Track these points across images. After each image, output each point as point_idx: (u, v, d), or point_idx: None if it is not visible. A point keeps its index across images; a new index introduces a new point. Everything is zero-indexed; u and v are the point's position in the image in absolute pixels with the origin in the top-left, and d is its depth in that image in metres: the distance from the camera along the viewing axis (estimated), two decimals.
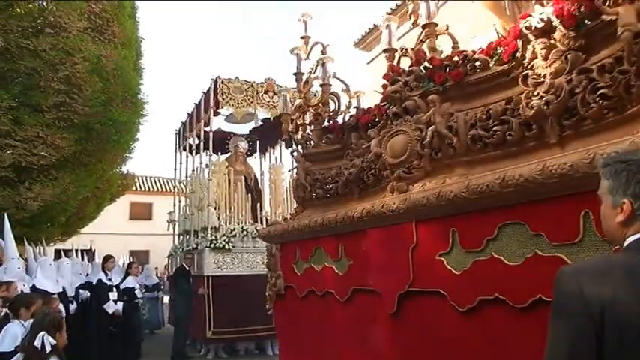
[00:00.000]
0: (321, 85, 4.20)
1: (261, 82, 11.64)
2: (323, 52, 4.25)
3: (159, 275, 17.03)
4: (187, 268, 10.44)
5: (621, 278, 1.31)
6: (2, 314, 5.55)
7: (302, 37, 4.47)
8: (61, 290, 8.56)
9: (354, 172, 3.69)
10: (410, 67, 3.27)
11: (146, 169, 37.54)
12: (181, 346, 10.13)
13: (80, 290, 9.91)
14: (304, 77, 4.38)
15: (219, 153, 13.50)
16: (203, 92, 11.93)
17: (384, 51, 3.55)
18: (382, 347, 3.23)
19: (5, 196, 10.87)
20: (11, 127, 10.58)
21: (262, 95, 11.62)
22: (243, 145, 13.41)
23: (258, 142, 14.18)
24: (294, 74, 4.41)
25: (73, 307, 9.04)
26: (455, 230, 2.71)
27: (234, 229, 10.89)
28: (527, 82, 2.69)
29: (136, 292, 10.74)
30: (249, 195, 12.19)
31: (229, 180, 12.25)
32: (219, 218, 11.68)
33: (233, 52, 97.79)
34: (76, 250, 11.66)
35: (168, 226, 15.05)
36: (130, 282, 10.79)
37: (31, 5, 11.39)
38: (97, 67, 11.60)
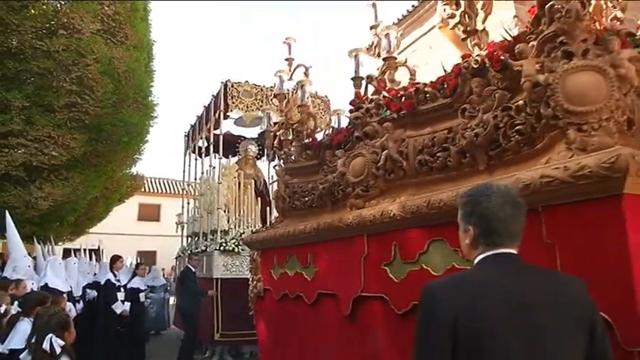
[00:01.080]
0: (299, 107, 4.77)
1: (271, 86, 12.14)
2: (306, 74, 4.82)
3: (165, 277, 17.63)
4: (193, 269, 10.71)
5: (470, 291, 1.78)
6: (14, 312, 5.64)
7: (286, 59, 5.04)
8: (69, 290, 9.02)
9: (326, 187, 4.25)
10: (371, 95, 3.83)
11: (155, 171, 38.50)
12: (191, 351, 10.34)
13: (87, 290, 10.45)
14: (286, 98, 4.96)
15: (229, 156, 14.04)
16: (213, 95, 12.49)
17: (352, 79, 4.12)
18: (340, 345, 3.80)
19: (16, 194, 11.52)
20: (23, 126, 11.22)
21: (271, 99, 12.14)
22: (253, 149, 13.92)
23: None
24: (276, 95, 4.99)
25: (79, 306, 9.54)
26: (396, 244, 3.26)
27: (243, 233, 11.20)
28: (465, 115, 3.22)
29: (141, 294, 11.25)
30: (259, 198, 12.64)
31: (239, 183, 12.77)
32: (228, 221, 12.21)
33: (235, 52, 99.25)
34: (84, 250, 12.23)
35: (177, 227, 15.67)
36: (136, 282, 11.35)
37: (45, 6, 11.98)
38: (109, 69, 12.22)
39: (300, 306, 4.33)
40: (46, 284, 8.31)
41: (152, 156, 36.14)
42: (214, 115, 12.39)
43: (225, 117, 12.39)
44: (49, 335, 4.01)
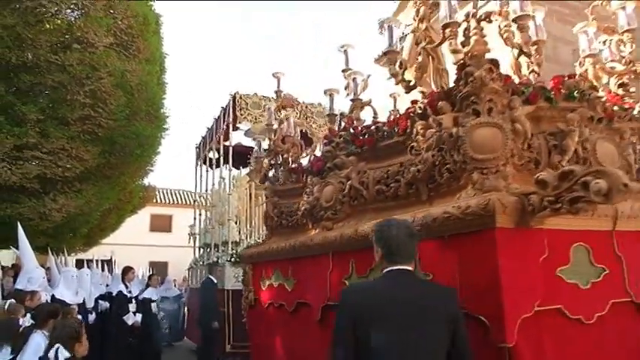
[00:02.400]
0: (284, 137, 5.72)
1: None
2: (292, 106, 5.76)
3: (178, 287, 18.54)
4: (215, 281, 11.45)
5: (372, 291, 2.84)
6: (28, 325, 5.93)
7: (275, 92, 6.01)
8: (81, 302, 9.76)
9: (307, 208, 5.16)
10: (340, 131, 4.76)
11: (166, 182, 39.85)
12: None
13: (100, 301, 11.27)
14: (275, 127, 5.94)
15: (240, 167, 14.97)
16: (222, 107, 13.47)
17: (327, 115, 5.05)
18: (314, 347, 4.71)
19: (30, 206, 12.44)
20: (38, 139, 12.11)
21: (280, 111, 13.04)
22: (265, 160, 14.76)
23: None
24: (266, 125, 5.96)
25: (91, 317, 10.29)
26: (353, 261, 4.17)
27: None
28: (412, 152, 4.11)
29: (152, 304, 12.16)
30: None
31: (250, 194, 13.70)
32: (239, 232, 13.12)
33: (236, 51, 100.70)
34: (96, 261, 13.18)
35: (189, 238, 16.67)
36: (148, 293, 12.30)
37: (59, 21, 12.86)
38: (122, 82, 13.11)
39: (283, 313, 5.26)
40: (53, 296, 9.05)
41: (163, 167, 37.25)
42: (224, 126, 13.33)
43: (235, 128, 13.29)
44: (56, 345, 4.45)
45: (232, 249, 12.05)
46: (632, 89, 4.58)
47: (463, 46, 3.70)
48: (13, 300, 7.28)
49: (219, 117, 13.74)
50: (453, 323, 2.71)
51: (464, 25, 3.72)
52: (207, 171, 15.59)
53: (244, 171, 14.92)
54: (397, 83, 4.37)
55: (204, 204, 15.99)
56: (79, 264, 13.61)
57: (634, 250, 3.43)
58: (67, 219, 13.44)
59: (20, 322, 6.13)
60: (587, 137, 3.67)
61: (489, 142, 3.34)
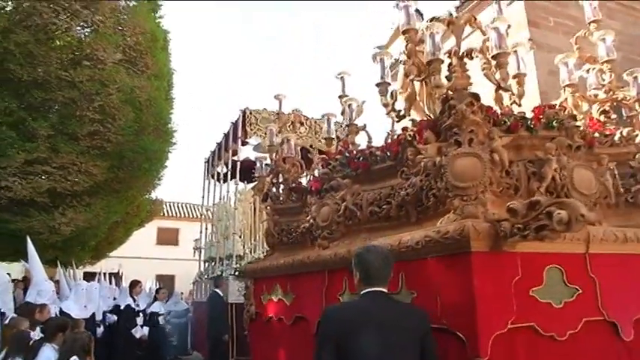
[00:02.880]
0: (285, 158, 6.07)
1: (289, 114, 13.45)
2: (293, 125, 6.11)
3: (185, 300, 18.86)
4: (221, 294, 11.66)
5: (351, 309, 3.24)
6: (37, 338, 6.04)
7: (277, 113, 6.37)
8: (89, 316, 9.87)
9: (307, 227, 5.49)
10: (336, 154, 5.10)
11: (173, 194, 40.36)
12: None
13: (107, 314, 11.63)
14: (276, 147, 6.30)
15: (247, 181, 15.27)
16: (232, 122, 13.85)
17: (324, 139, 5.40)
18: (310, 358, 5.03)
19: (40, 220, 12.85)
20: (48, 154, 12.58)
21: (289, 126, 13.43)
22: (267, 179, 15.06)
23: None
24: (269, 146, 6.33)
25: (99, 330, 10.58)
26: (346, 278, 4.49)
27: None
28: (402, 176, 4.43)
29: (160, 318, 12.51)
30: None
31: (255, 208, 14.05)
32: (244, 246, 13.45)
33: (236, 52, 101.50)
34: (104, 274, 13.50)
35: (194, 252, 17.02)
36: (156, 307, 12.67)
37: (69, 38, 13.34)
38: (131, 98, 13.55)
39: (283, 326, 5.57)
40: (60, 309, 9.31)
41: (169, 177, 37.66)
42: (233, 141, 13.73)
43: (244, 143, 13.68)
44: (73, 357, 4.71)
45: (236, 263, 12.28)
46: (613, 116, 4.89)
47: (448, 80, 4.03)
48: (14, 315, 7.52)
49: (228, 132, 14.10)
50: (424, 338, 3.11)
51: (448, 60, 4.06)
52: (214, 185, 15.94)
53: (249, 185, 15.22)
54: (388, 113, 4.70)
55: (210, 218, 16.31)
56: (87, 277, 13.94)
57: (607, 271, 3.71)
58: (76, 232, 13.80)
59: (31, 335, 6.25)
60: (564, 164, 3.96)
61: (469, 170, 3.66)
